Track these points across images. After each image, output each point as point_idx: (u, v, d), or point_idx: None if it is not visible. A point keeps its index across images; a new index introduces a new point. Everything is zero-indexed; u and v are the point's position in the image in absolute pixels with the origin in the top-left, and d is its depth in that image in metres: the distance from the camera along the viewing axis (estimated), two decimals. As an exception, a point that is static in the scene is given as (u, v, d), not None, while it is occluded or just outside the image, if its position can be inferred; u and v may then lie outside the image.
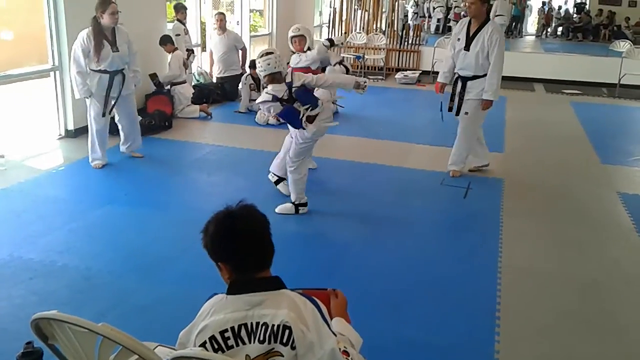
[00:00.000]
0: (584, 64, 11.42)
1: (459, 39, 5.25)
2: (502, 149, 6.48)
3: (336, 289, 1.92)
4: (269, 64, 3.99)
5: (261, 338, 1.54)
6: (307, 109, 4.01)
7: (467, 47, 5.15)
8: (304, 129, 4.09)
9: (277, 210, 4.32)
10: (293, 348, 1.52)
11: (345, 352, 1.56)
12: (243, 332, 1.55)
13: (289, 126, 4.33)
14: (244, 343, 1.55)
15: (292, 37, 5.39)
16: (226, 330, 1.55)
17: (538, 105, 9.47)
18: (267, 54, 4.04)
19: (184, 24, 8.04)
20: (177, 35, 7.82)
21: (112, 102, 5.19)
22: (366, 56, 11.61)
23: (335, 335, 1.59)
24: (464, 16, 15.13)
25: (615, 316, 3.25)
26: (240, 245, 1.59)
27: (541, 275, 3.68)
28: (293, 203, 4.37)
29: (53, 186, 5.02)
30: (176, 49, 7.49)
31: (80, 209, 4.44)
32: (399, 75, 11.12)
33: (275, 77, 4.01)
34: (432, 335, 2.97)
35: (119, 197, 4.73)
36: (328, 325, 1.59)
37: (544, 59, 12.64)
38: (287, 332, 1.52)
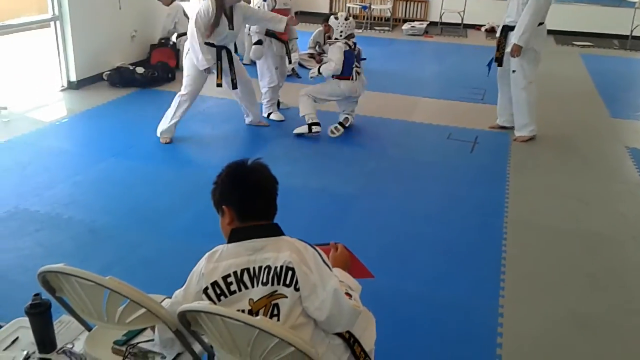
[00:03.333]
0: (595, 15, 11.09)
1: None
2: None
3: (338, 242, 1.92)
4: (345, 25, 5.11)
5: (264, 280, 1.55)
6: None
7: None
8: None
9: (295, 131, 5.12)
10: (297, 289, 1.54)
11: (348, 294, 1.59)
12: (246, 277, 1.56)
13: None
14: (246, 287, 1.56)
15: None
16: (229, 275, 1.56)
17: (547, 57, 9.13)
18: (346, 19, 5.15)
19: None
20: None
21: (231, 74, 4.97)
22: (372, 6, 11.33)
23: (335, 276, 1.60)
24: None
25: (621, 271, 3.26)
26: (247, 192, 1.63)
27: (547, 229, 3.67)
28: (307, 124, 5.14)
29: (57, 138, 5.00)
30: (173, 0, 7.28)
31: (85, 162, 4.43)
32: (406, 26, 10.88)
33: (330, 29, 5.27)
34: (436, 290, 2.99)
35: (123, 150, 4.70)
36: (329, 268, 1.61)
37: (554, 10, 11.99)
38: (290, 273, 1.54)
